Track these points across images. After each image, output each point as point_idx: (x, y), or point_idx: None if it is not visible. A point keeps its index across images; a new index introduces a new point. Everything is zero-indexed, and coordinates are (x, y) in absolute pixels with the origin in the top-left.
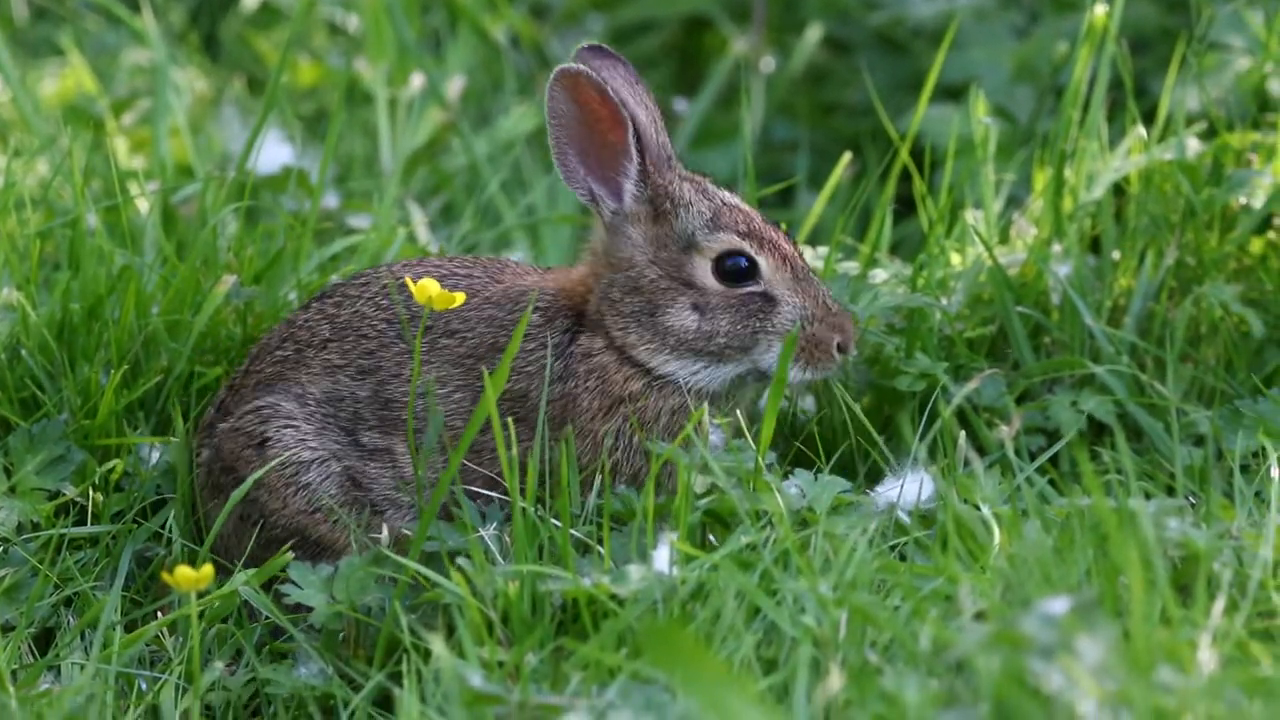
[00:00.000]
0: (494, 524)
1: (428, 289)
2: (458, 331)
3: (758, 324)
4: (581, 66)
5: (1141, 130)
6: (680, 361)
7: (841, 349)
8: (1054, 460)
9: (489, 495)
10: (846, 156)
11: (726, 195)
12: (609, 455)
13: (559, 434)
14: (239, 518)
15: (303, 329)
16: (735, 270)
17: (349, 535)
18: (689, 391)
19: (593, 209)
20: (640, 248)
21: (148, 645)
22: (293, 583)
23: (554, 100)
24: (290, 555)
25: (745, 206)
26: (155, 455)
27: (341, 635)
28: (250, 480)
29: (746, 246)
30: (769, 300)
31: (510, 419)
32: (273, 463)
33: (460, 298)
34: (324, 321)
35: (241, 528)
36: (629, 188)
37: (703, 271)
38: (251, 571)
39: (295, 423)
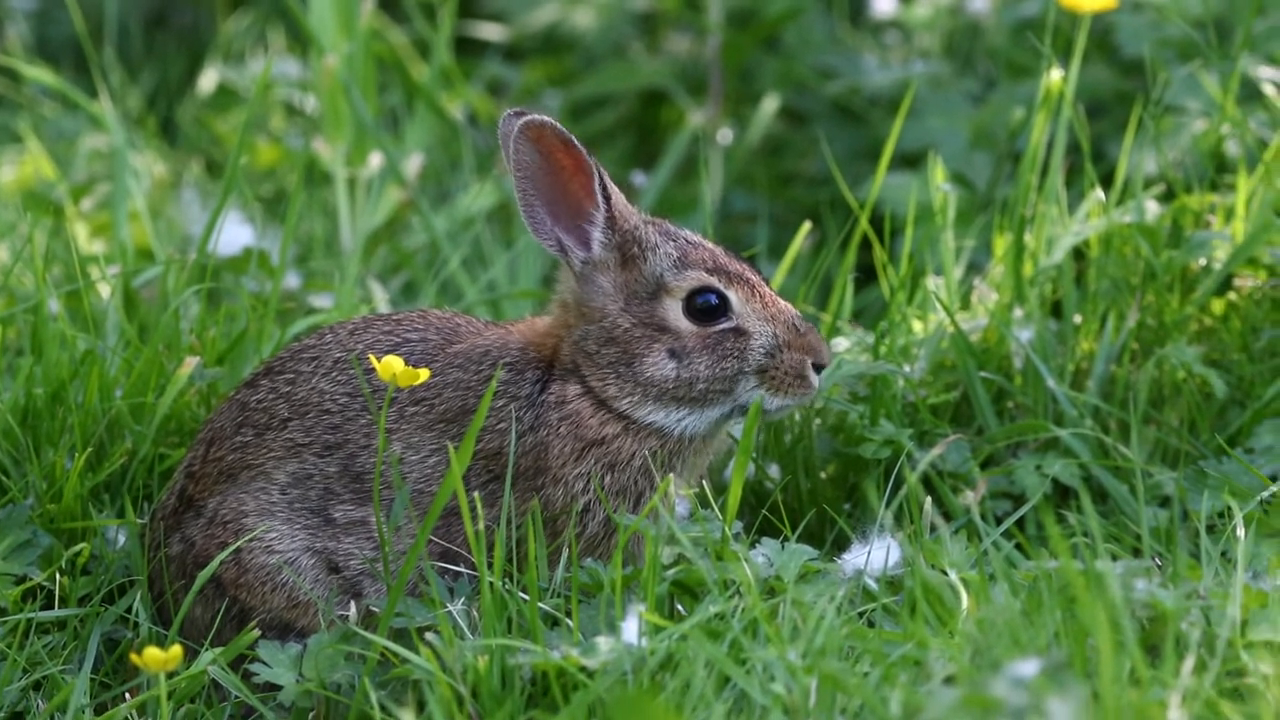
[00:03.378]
0: (462, 598)
1: (391, 366)
2: (424, 399)
3: (735, 365)
4: (546, 117)
5: (1100, 194)
6: (665, 410)
7: (817, 368)
8: (1020, 524)
9: (466, 561)
10: (806, 226)
11: (689, 234)
12: (579, 499)
13: (532, 484)
14: (217, 612)
15: (257, 410)
16: (706, 307)
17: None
18: (675, 436)
19: (562, 260)
20: (611, 296)
21: None
22: (262, 661)
23: (519, 153)
24: (257, 633)
25: (708, 243)
26: (121, 538)
27: (312, 713)
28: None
29: (715, 281)
30: (741, 334)
31: (486, 480)
32: (247, 575)
33: (425, 374)
34: (279, 400)
35: (223, 620)
36: (597, 235)
37: (675, 314)
38: (219, 650)
39: (264, 520)
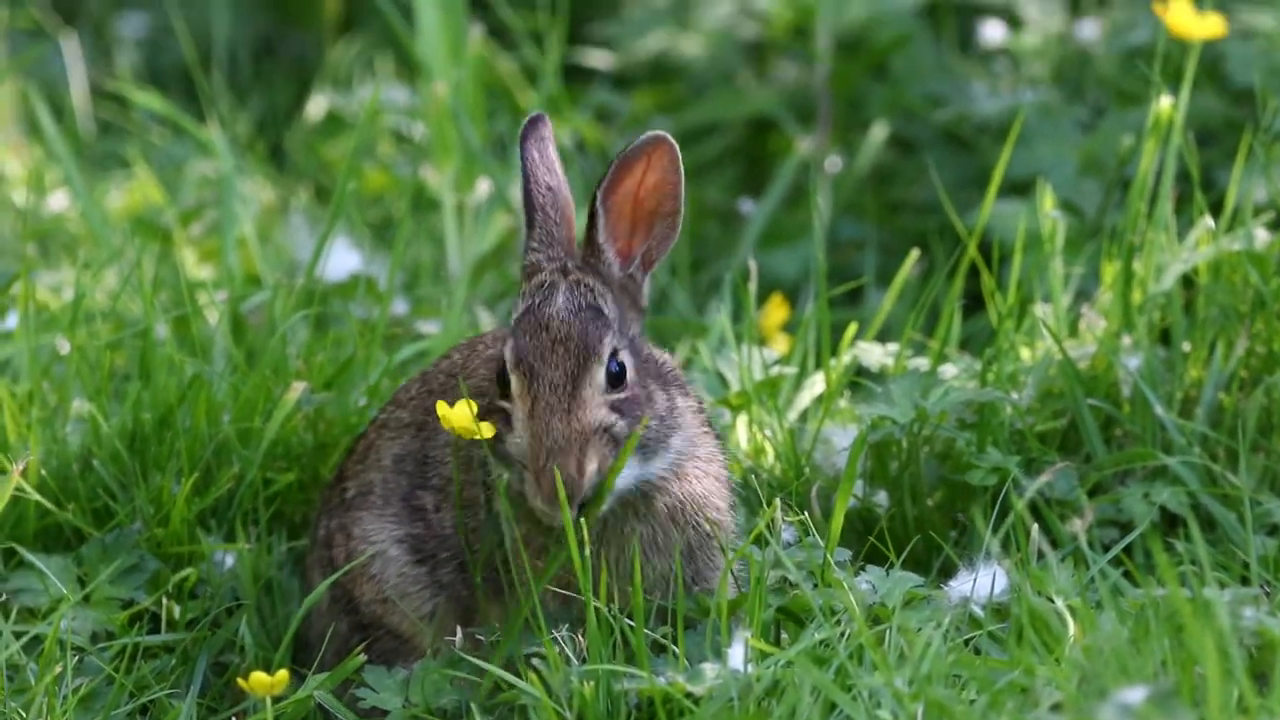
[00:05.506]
0: (566, 625)
1: (457, 415)
2: None
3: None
4: (537, 122)
5: (1209, 221)
6: None
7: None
8: (1128, 552)
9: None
10: (914, 254)
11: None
12: None
13: None
14: (330, 599)
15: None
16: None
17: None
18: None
19: None
20: None
21: None
22: (368, 686)
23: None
24: (363, 658)
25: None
26: (229, 561)
27: None
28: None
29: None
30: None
31: None
32: (347, 565)
33: (488, 430)
34: (417, 380)
35: (333, 609)
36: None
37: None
38: (324, 676)
39: (365, 514)
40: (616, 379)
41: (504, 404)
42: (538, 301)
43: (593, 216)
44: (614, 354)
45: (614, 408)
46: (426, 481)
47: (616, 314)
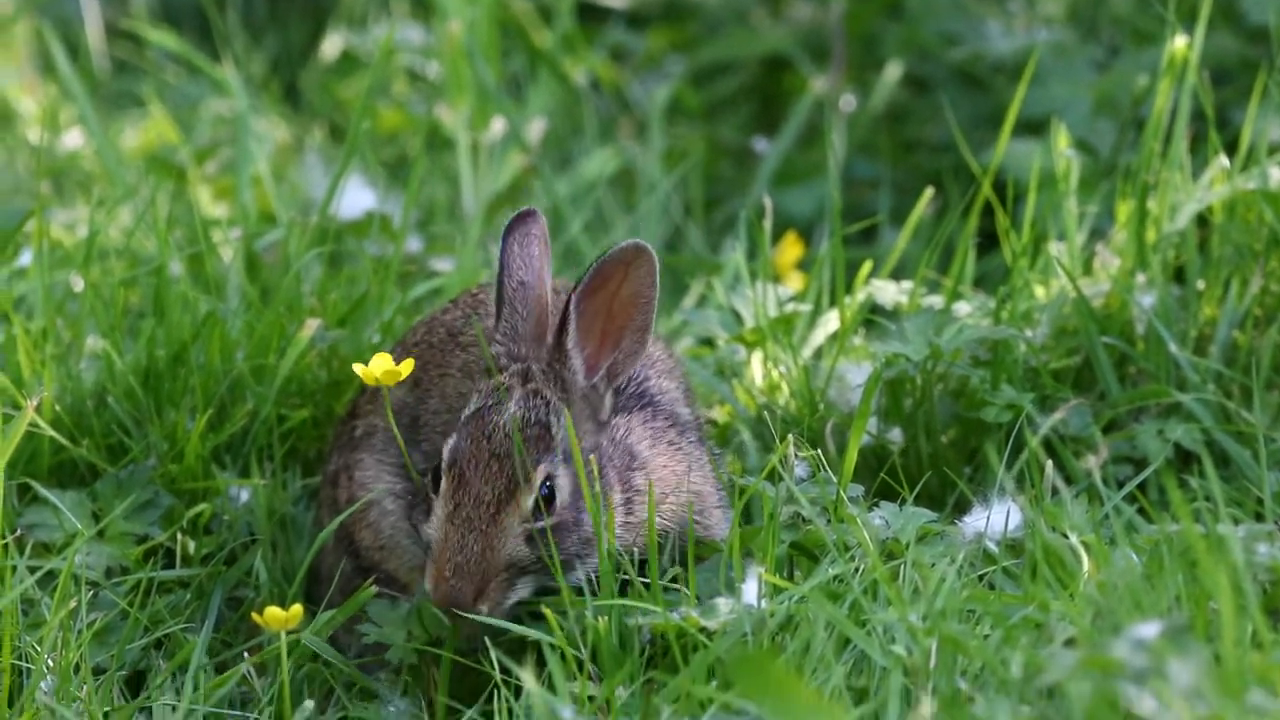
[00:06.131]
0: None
1: (377, 365)
2: None
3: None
4: (526, 217)
5: (1224, 160)
6: None
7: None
8: (1142, 488)
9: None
10: (929, 192)
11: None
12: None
13: None
14: (335, 539)
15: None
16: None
17: (416, 573)
18: None
19: None
20: None
21: (238, 686)
22: (372, 621)
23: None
24: (373, 591)
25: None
26: (243, 497)
27: (425, 673)
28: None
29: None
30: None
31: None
32: (349, 510)
33: (407, 368)
34: (424, 325)
35: (338, 549)
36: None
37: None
38: (333, 612)
39: (367, 456)
40: (546, 501)
41: (431, 495)
42: (489, 405)
43: (563, 320)
44: (548, 479)
45: (529, 539)
46: (418, 443)
47: (562, 434)
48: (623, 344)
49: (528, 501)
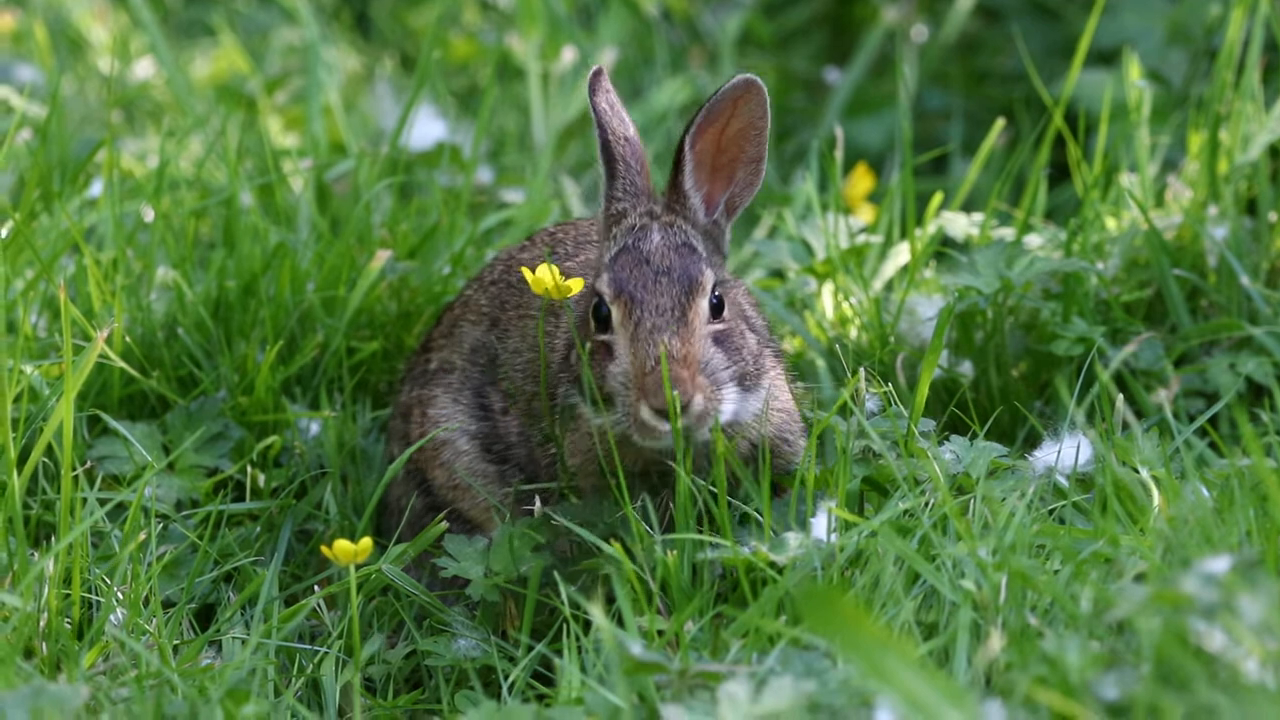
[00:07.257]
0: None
1: (545, 277)
2: None
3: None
4: (601, 75)
5: None
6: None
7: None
8: (1213, 422)
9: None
10: (1000, 123)
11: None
12: None
13: None
14: (405, 473)
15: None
16: (598, 314)
17: (490, 513)
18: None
19: None
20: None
21: (308, 619)
22: (449, 555)
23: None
24: (445, 525)
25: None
26: (313, 430)
27: (500, 608)
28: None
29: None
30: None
31: None
32: (418, 443)
33: (577, 285)
34: (502, 261)
35: (408, 483)
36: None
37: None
38: (404, 546)
39: (442, 393)
40: (716, 311)
41: (601, 337)
42: (633, 241)
43: (678, 163)
44: (714, 287)
45: (716, 340)
46: (496, 382)
47: (708, 253)
48: (738, 177)
49: (704, 305)
